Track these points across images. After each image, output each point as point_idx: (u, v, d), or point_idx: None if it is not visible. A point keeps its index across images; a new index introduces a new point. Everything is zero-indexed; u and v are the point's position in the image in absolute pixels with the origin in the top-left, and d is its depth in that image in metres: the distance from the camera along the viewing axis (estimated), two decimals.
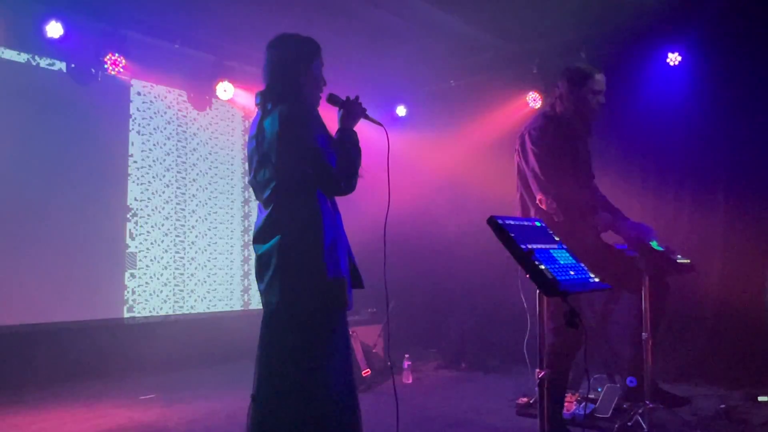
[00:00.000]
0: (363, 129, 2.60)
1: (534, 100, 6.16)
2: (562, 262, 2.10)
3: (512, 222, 2.14)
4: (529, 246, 2.03)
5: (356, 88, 3.05)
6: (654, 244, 3.39)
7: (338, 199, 2.58)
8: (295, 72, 2.53)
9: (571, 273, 2.08)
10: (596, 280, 2.19)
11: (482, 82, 6.50)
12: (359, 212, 3.85)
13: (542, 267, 1.97)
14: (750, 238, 4.79)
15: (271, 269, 2.38)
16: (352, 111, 2.59)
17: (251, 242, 2.53)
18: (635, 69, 5.51)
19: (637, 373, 3.51)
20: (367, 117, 2.63)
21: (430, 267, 6.90)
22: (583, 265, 2.21)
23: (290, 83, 2.51)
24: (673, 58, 5.30)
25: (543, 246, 2.12)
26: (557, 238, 2.31)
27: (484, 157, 6.12)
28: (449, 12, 5.55)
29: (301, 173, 2.40)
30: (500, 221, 2.11)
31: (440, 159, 6.82)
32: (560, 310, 3.25)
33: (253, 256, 2.51)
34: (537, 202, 3.40)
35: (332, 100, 2.62)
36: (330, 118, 2.58)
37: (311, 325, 2.39)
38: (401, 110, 7.29)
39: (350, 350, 2.51)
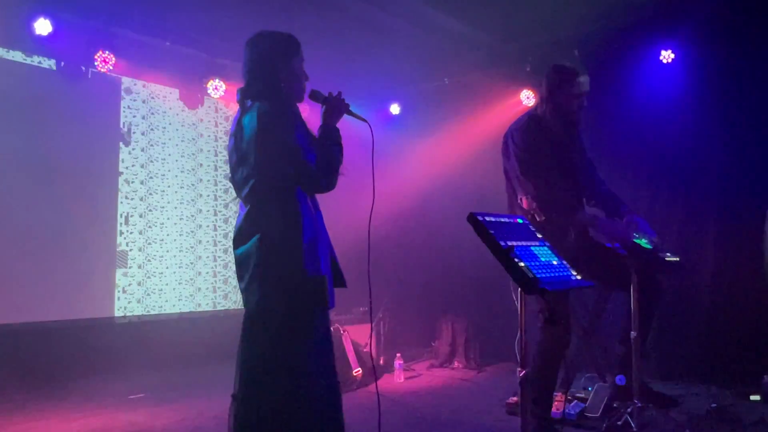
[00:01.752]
0: (359, 128, 2.57)
1: (528, 98, 6.13)
2: (542, 259, 2.07)
3: (492, 219, 2.10)
4: (509, 243, 1.99)
5: (349, 86, 3.02)
6: (643, 242, 3.36)
7: (330, 198, 2.54)
8: (274, 69, 2.50)
9: (552, 270, 2.05)
10: (578, 277, 2.15)
11: (476, 80, 6.46)
12: (355, 211, 3.80)
13: (522, 264, 1.93)
14: (743, 237, 4.74)
15: (251, 268, 2.35)
16: (334, 107, 2.56)
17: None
18: (628, 66, 5.47)
19: (627, 371, 3.50)
20: (350, 113, 2.60)
21: (423, 266, 6.87)
22: (565, 262, 2.17)
23: (269, 80, 2.48)
24: (667, 56, 5.26)
25: (523, 243, 2.08)
26: (539, 235, 2.27)
27: (478, 154, 6.08)
28: (443, 10, 5.51)
29: (279, 171, 2.37)
30: (480, 218, 2.07)
31: (434, 157, 6.78)
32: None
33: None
34: (518, 201, 3.40)
35: (314, 96, 2.59)
36: (314, 113, 2.55)
37: (291, 323, 2.35)
38: (395, 108, 7.24)
39: (332, 349, 2.48)
